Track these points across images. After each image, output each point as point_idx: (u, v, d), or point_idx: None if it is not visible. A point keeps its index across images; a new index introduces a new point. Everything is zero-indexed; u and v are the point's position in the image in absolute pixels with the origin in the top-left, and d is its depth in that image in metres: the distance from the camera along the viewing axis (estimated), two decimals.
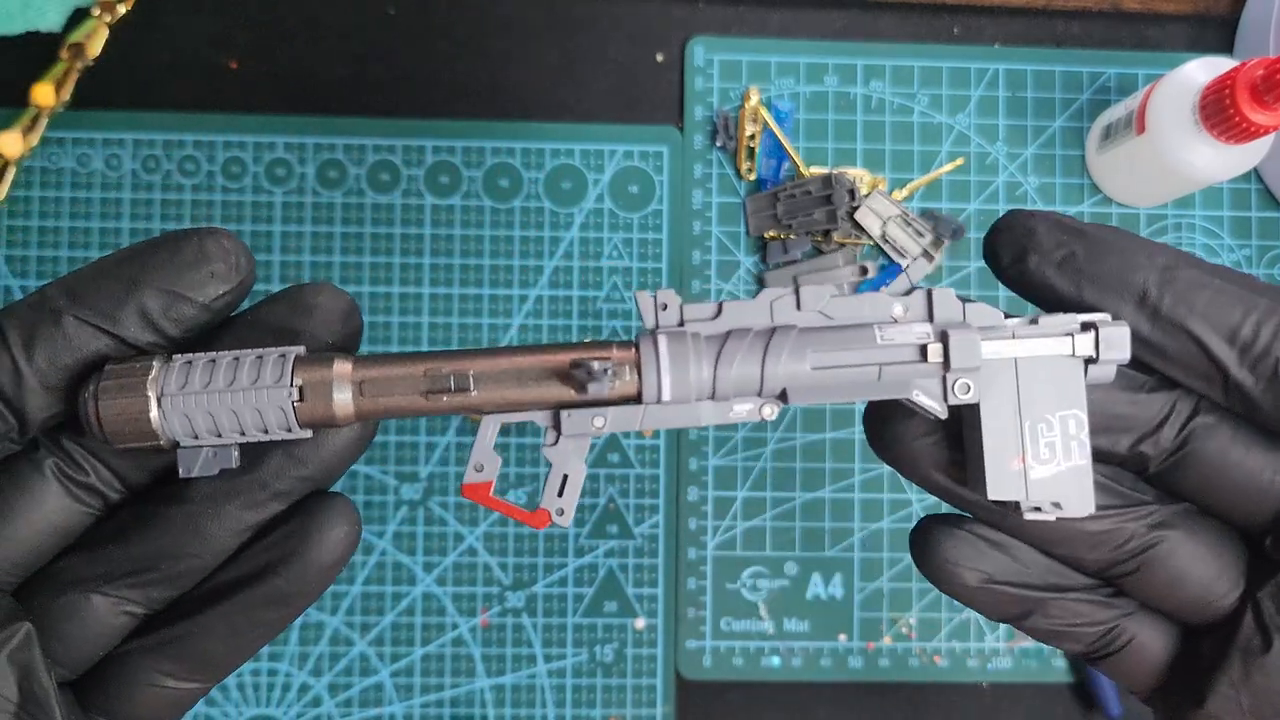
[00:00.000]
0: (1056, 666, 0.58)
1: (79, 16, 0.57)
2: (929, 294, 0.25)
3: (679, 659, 0.57)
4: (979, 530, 0.27)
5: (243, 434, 0.24)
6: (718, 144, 0.59)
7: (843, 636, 0.58)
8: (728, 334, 0.25)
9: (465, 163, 0.58)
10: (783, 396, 0.25)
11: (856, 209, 0.58)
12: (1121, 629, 0.28)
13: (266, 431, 0.24)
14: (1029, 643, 0.58)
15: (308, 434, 0.24)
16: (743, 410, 0.25)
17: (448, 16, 0.59)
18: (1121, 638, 0.28)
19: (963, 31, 0.60)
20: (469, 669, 0.56)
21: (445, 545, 0.57)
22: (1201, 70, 0.52)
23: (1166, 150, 0.52)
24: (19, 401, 0.23)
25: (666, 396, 0.24)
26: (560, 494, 0.25)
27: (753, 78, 0.59)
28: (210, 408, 0.23)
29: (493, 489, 0.25)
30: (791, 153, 0.59)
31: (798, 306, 0.25)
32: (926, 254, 0.58)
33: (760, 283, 0.59)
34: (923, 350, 0.25)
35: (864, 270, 0.58)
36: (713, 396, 0.24)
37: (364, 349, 0.57)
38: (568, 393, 0.24)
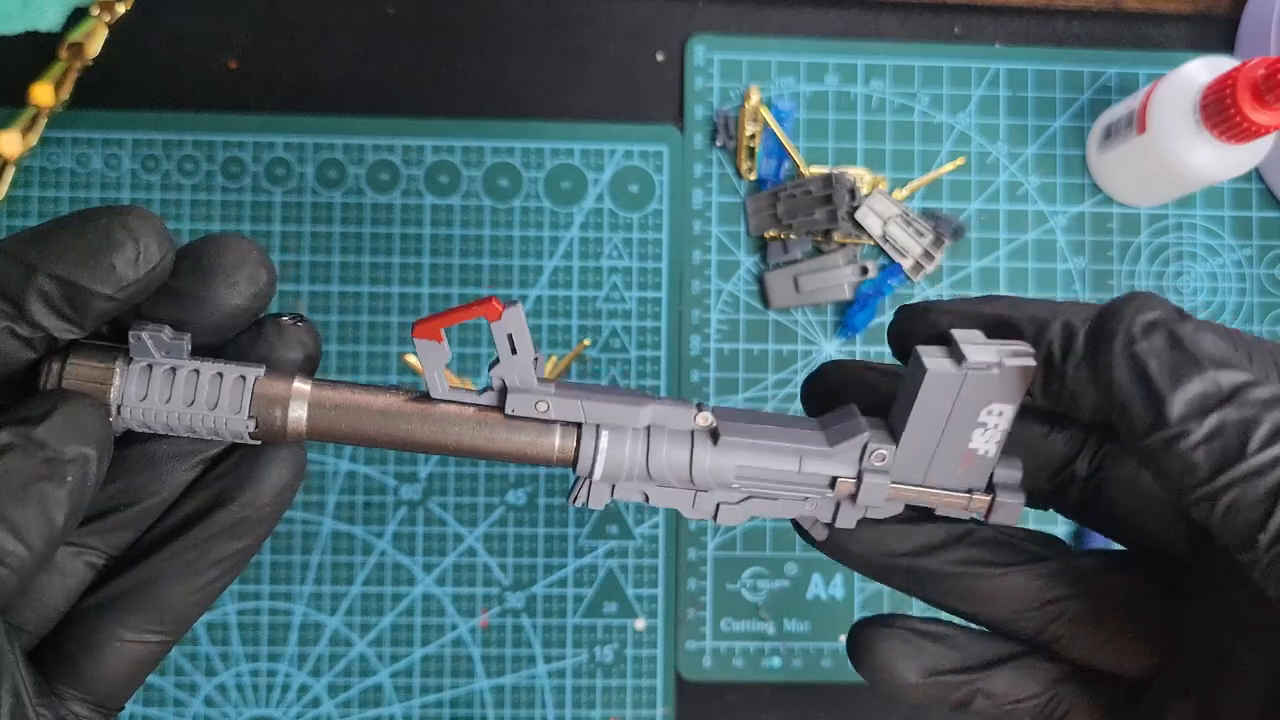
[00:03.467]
0: None
1: (78, 16, 0.57)
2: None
3: (679, 660, 0.57)
4: (911, 624, 0.28)
5: (196, 436, 0.25)
6: (718, 144, 0.59)
7: (843, 637, 0.57)
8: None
9: (465, 162, 0.58)
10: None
11: (857, 209, 0.58)
12: (1059, 697, 0.28)
13: (221, 441, 0.25)
14: None
15: (256, 442, 0.24)
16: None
17: (448, 16, 0.59)
18: (1061, 706, 0.28)
19: (963, 31, 0.60)
20: (469, 670, 0.56)
21: (445, 546, 0.57)
22: (1202, 70, 0.52)
23: (1167, 150, 0.52)
24: None
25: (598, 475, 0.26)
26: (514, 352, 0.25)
27: (753, 77, 0.59)
28: (169, 421, 0.24)
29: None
30: (792, 152, 0.59)
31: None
32: (927, 254, 0.58)
33: (760, 283, 0.58)
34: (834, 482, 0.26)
35: (864, 270, 0.58)
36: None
37: (364, 348, 0.57)
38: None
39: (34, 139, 0.56)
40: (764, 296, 0.58)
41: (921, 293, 0.59)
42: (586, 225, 0.58)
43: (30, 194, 0.57)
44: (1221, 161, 0.52)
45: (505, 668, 0.56)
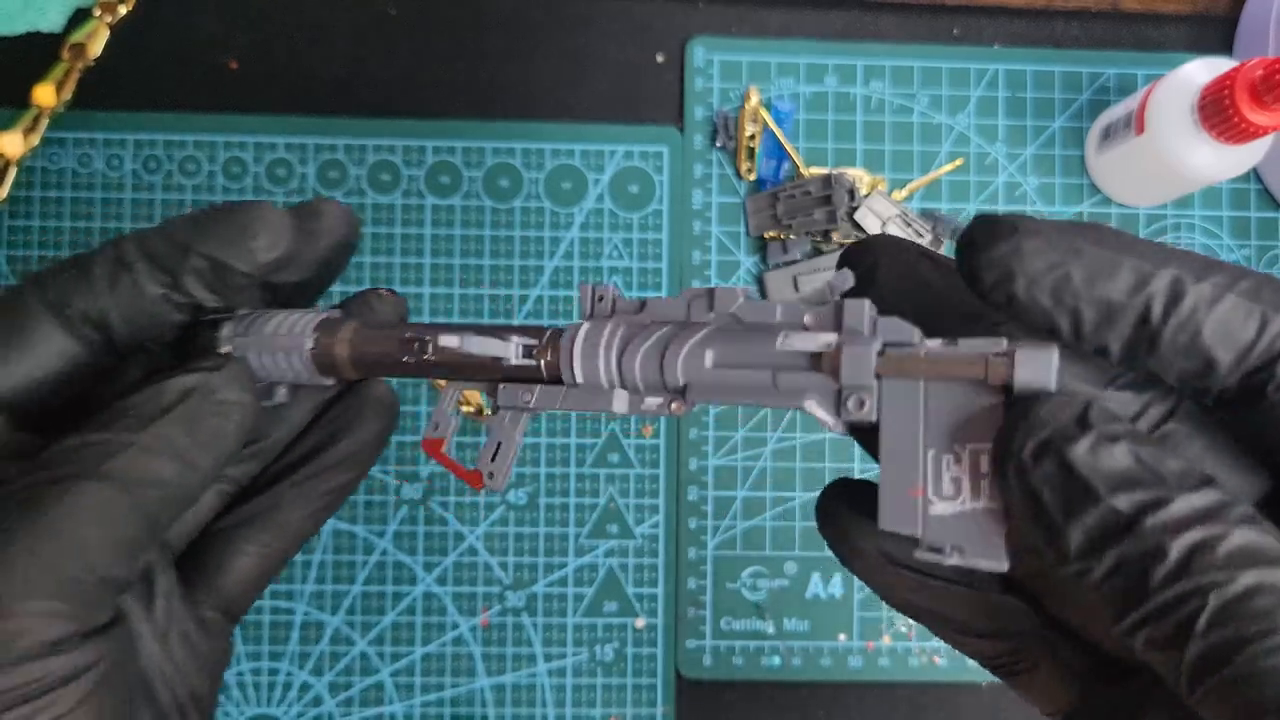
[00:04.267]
0: None
1: (80, 17, 0.57)
2: (839, 304, 0.23)
3: (679, 658, 0.57)
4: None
5: (284, 375, 0.28)
6: (718, 144, 0.59)
7: (842, 636, 0.58)
8: (640, 327, 0.26)
9: (465, 163, 0.59)
10: (684, 392, 0.25)
11: (856, 209, 0.58)
12: (1024, 651, 0.25)
13: (296, 376, 0.28)
14: None
15: (330, 381, 0.28)
16: (652, 403, 0.25)
17: (448, 16, 0.59)
18: (1026, 660, 0.25)
19: (963, 32, 0.60)
20: (469, 668, 0.57)
21: (445, 545, 0.57)
22: (1201, 70, 0.52)
23: (1166, 150, 0.52)
24: (107, 320, 0.26)
25: (579, 379, 0.25)
26: (493, 458, 0.27)
27: (753, 78, 0.59)
28: (259, 345, 0.27)
29: (445, 446, 0.28)
30: (791, 153, 0.59)
31: (709, 307, 0.25)
32: None
33: (760, 283, 0.59)
34: (817, 359, 0.23)
35: None
36: (621, 385, 0.25)
37: None
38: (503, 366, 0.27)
39: (36, 139, 0.56)
40: (764, 296, 0.59)
41: None
42: (587, 225, 0.59)
43: (32, 194, 0.57)
44: (1220, 162, 0.52)
45: (506, 666, 0.57)
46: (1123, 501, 0.19)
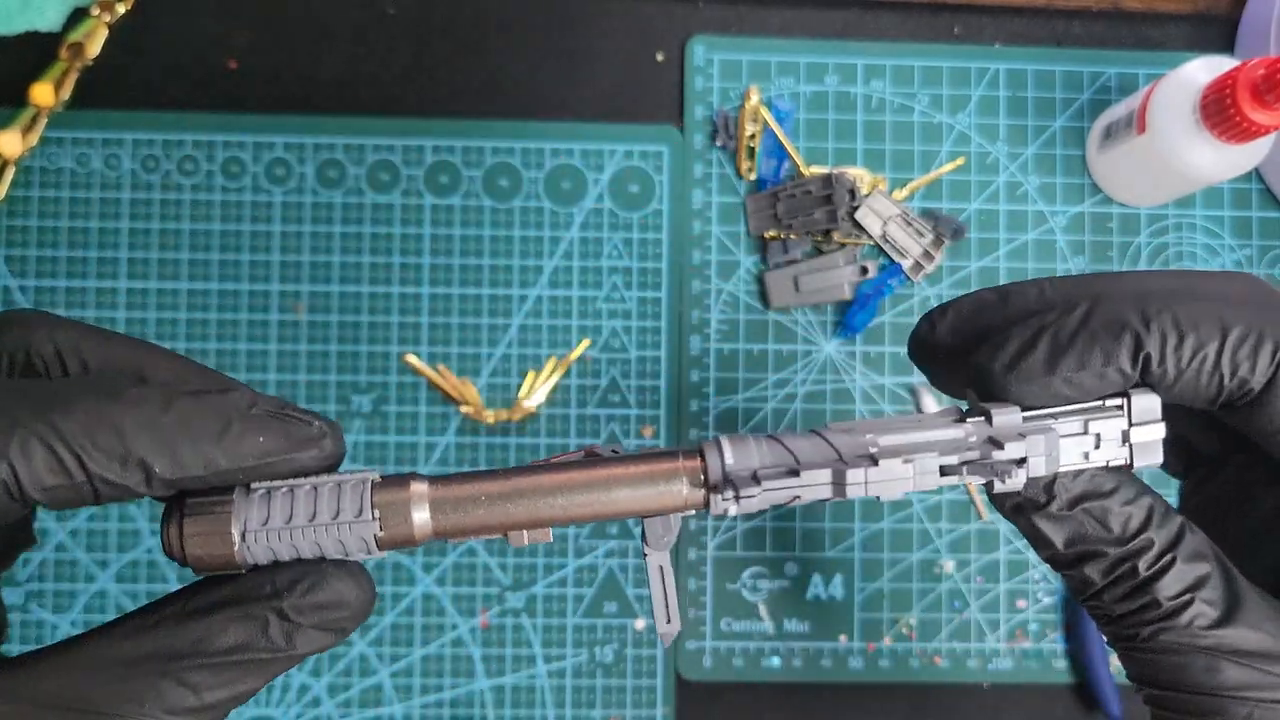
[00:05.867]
0: (1057, 667, 0.58)
1: (78, 16, 0.57)
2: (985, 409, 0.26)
3: (679, 659, 0.57)
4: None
5: (324, 557, 0.25)
6: (718, 144, 0.59)
7: (843, 637, 0.57)
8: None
9: (465, 162, 0.58)
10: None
11: (857, 209, 0.58)
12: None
13: (347, 555, 0.25)
14: (1030, 643, 0.58)
15: (384, 554, 0.25)
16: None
17: (448, 16, 0.59)
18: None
19: (963, 31, 0.60)
20: (469, 670, 0.56)
21: (444, 545, 0.57)
22: (1202, 70, 0.52)
23: (1167, 150, 0.52)
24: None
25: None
26: (667, 616, 0.27)
27: (753, 77, 0.59)
28: (294, 540, 0.24)
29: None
30: (792, 152, 0.59)
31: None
32: (927, 254, 0.58)
33: (760, 283, 0.58)
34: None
35: (864, 270, 0.58)
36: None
37: (364, 348, 0.57)
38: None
39: (34, 139, 0.56)
40: (764, 296, 0.58)
41: (921, 293, 0.59)
42: (586, 225, 0.58)
43: (30, 194, 0.57)
44: (1221, 161, 0.52)
45: (505, 668, 0.56)
46: None
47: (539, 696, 0.56)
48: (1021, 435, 0.25)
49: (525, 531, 0.25)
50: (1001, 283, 0.58)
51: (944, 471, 0.25)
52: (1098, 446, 0.26)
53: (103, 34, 0.57)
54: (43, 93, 0.56)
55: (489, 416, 0.57)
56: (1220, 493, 0.30)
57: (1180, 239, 0.60)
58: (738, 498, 0.25)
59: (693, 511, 0.26)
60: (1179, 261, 0.60)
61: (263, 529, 0.24)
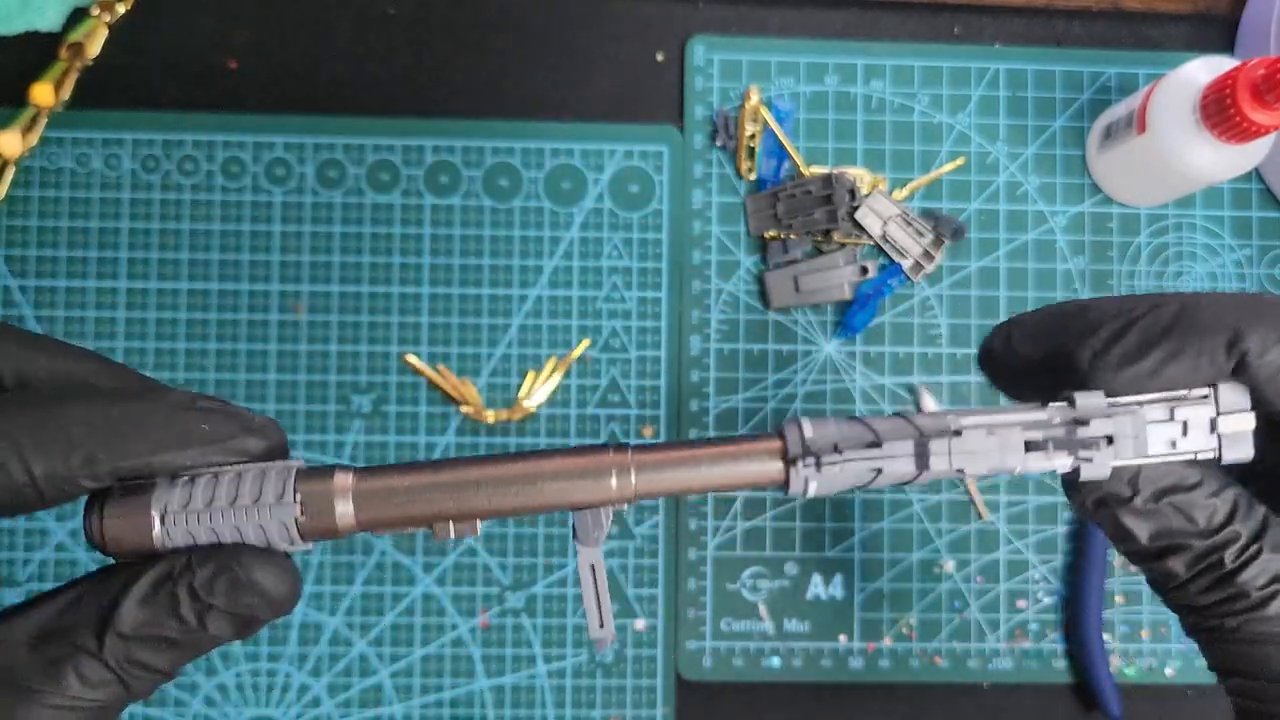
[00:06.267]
0: (1057, 667, 0.58)
1: (78, 16, 0.57)
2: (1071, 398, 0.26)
3: (679, 660, 0.57)
4: None
5: (243, 543, 0.25)
6: (718, 144, 0.59)
7: (843, 637, 0.57)
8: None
9: (465, 162, 0.58)
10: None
11: (857, 209, 0.58)
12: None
13: (269, 543, 0.25)
14: (1030, 643, 0.58)
15: (309, 546, 0.25)
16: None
17: (448, 16, 0.59)
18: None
19: (963, 31, 0.60)
20: (469, 670, 0.56)
21: (445, 545, 0.57)
22: (1202, 70, 0.52)
23: (1167, 150, 0.52)
24: None
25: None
26: (600, 621, 0.26)
27: (753, 77, 0.59)
28: (214, 524, 0.24)
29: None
30: (792, 152, 0.59)
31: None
32: (927, 254, 0.58)
33: (760, 282, 0.58)
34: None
35: (864, 270, 0.58)
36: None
37: (364, 348, 0.57)
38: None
39: (34, 139, 0.56)
40: (764, 296, 0.58)
41: (921, 293, 0.59)
42: (586, 225, 0.58)
43: (30, 194, 0.57)
44: (1221, 161, 0.52)
45: (505, 668, 0.56)
46: None
47: (539, 696, 0.56)
48: (1108, 416, 0.25)
49: (451, 524, 0.25)
50: (1002, 282, 0.59)
51: (1029, 446, 0.25)
52: (1185, 434, 0.25)
53: (103, 34, 0.57)
54: (43, 93, 0.56)
55: (489, 416, 0.57)
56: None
57: (1180, 239, 0.60)
58: (819, 465, 0.24)
59: (625, 506, 0.25)
60: (1179, 261, 0.60)
61: (183, 511, 0.24)
